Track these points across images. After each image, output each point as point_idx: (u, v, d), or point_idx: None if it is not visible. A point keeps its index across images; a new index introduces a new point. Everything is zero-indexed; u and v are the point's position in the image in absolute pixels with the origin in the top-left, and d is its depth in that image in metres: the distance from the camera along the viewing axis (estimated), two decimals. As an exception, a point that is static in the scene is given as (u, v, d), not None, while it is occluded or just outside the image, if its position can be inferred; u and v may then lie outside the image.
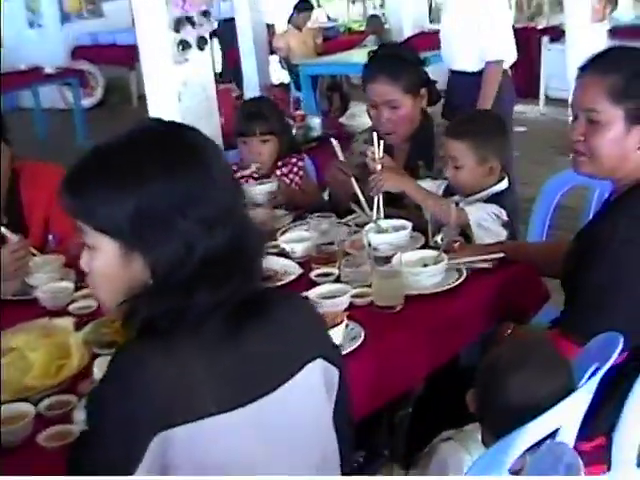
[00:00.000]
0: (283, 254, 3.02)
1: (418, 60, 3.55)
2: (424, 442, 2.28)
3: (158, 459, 1.44)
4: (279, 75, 10.86)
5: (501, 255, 2.71)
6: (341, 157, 3.38)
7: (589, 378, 1.95)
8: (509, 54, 5.26)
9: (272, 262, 2.90)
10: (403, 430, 2.73)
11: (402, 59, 3.46)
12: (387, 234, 2.97)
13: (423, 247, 2.90)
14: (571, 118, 2.38)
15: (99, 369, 2.10)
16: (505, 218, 2.93)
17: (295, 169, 3.89)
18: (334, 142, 3.39)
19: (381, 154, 3.16)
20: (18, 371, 2.21)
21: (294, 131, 5.00)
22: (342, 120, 4.99)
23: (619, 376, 2.14)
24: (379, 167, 3.13)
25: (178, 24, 4.52)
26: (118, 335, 2.22)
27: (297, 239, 3.07)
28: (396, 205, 3.20)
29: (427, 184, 3.15)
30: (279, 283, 2.78)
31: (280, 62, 10.27)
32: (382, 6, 14.09)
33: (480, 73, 5.13)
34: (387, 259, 2.56)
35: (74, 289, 2.83)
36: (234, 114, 5.15)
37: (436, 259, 2.68)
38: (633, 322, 2.17)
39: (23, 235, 2.95)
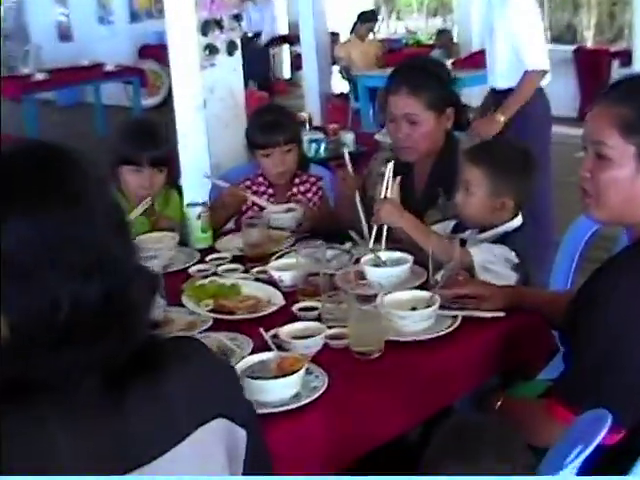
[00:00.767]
0: (271, 282, 2.77)
1: (448, 77, 3.27)
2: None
3: None
4: (340, 85, 10.62)
5: (501, 314, 2.42)
6: (351, 171, 3.20)
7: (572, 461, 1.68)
8: (547, 64, 5.05)
9: (258, 289, 2.69)
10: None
11: (429, 73, 3.19)
12: (385, 268, 2.70)
13: (423, 285, 2.61)
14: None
15: None
16: (515, 260, 2.65)
17: (314, 189, 3.66)
18: (346, 155, 3.22)
19: (390, 184, 2.90)
20: None
21: (323, 145, 4.75)
22: (377, 137, 4.75)
23: (612, 460, 1.85)
24: (382, 196, 2.87)
25: (206, 27, 4.30)
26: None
27: (287, 267, 2.81)
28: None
29: (435, 227, 2.92)
30: (261, 313, 2.55)
31: (340, 72, 10.02)
32: (457, 22, 13.79)
33: None
34: (370, 298, 2.29)
35: None
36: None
37: (428, 301, 2.40)
38: (631, 398, 1.87)
39: None
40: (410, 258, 2.72)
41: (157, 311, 2.56)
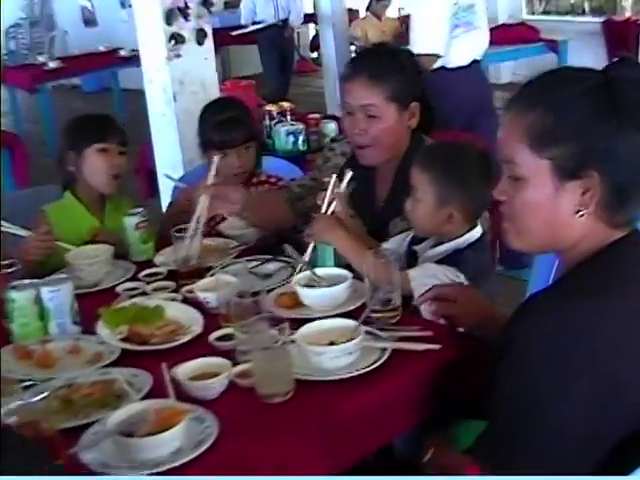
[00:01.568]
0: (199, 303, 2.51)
1: (414, 68, 2.86)
2: None
3: None
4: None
5: (436, 347, 2.10)
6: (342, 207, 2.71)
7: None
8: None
9: (183, 312, 2.42)
10: None
11: (392, 61, 2.79)
12: (319, 288, 2.41)
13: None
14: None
15: None
16: (464, 282, 2.34)
17: (275, 189, 3.36)
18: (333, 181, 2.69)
19: (333, 195, 2.60)
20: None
21: (302, 137, 4.43)
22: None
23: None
24: (324, 207, 2.59)
25: (170, 16, 4.01)
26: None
27: (216, 285, 2.53)
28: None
29: (394, 240, 2.62)
30: (174, 343, 2.28)
31: (356, 51, 9.64)
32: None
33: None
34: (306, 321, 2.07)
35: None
36: (257, 112, 4.66)
37: (352, 333, 2.10)
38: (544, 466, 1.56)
39: None
40: (349, 275, 2.42)
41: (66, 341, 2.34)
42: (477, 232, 2.44)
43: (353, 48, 9.57)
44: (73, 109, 11.95)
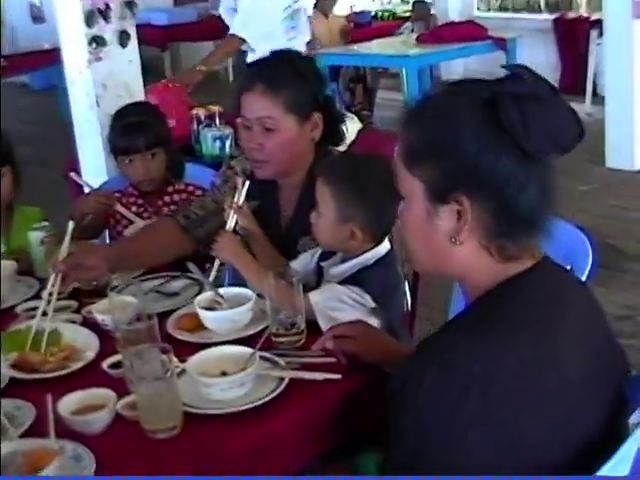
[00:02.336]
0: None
1: (315, 75, 2.68)
2: None
3: None
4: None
5: (337, 377, 1.99)
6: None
7: None
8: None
9: (80, 336, 2.29)
10: None
11: (290, 68, 2.59)
12: (219, 311, 2.30)
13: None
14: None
15: None
16: (370, 304, 2.24)
17: (192, 198, 3.22)
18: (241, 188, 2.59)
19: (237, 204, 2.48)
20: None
21: (229, 142, 4.30)
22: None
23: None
24: (229, 224, 2.46)
25: (90, 18, 3.87)
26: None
27: (113, 307, 2.40)
28: None
29: (302, 259, 2.50)
30: (64, 371, 2.15)
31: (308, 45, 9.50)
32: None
33: None
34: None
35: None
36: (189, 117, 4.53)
37: (246, 362, 1.98)
38: None
39: None
40: (252, 296, 2.30)
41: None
42: (384, 248, 2.33)
43: (301, 46, 9.44)
44: (19, 107, 11.79)
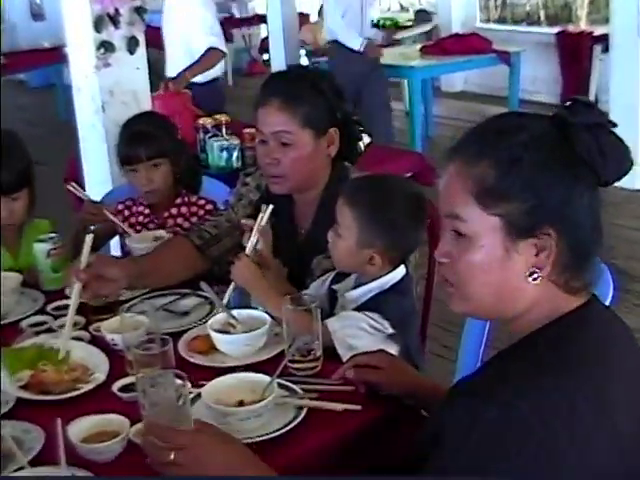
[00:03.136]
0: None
1: (334, 90, 2.61)
2: None
3: None
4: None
5: (357, 408, 1.93)
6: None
7: None
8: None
9: (89, 355, 2.23)
10: None
11: (307, 83, 2.54)
12: (233, 335, 2.24)
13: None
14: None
15: None
16: (388, 330, 2.18)
17: (202, 213, 3.18)
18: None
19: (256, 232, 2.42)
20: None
21: (236, 154, 4.24)
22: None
23: None
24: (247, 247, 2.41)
25: (99, 23, 3.80)
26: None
27: (123, 325, 2.34)
28: None
29: (315, 286, 2.45)
30: (74, 393, 2.10)
31: (307, 56, 9.47)
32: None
33: None
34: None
35: None
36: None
37: (265, 391, 1.92)
38: None
39: None
40: (267, 319, 2.25)
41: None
42: (400, 273, 2.28)
43: (303, 52, 9.41)
44: (17, 104, 11.73)
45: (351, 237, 2.22)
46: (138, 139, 3.14)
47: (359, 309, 2.24)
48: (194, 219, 3.15)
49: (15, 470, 1.79)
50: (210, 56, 5.72)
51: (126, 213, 3.23)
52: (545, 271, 1.44)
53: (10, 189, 2.90)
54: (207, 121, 4.44)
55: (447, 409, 1.44)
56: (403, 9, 14.04)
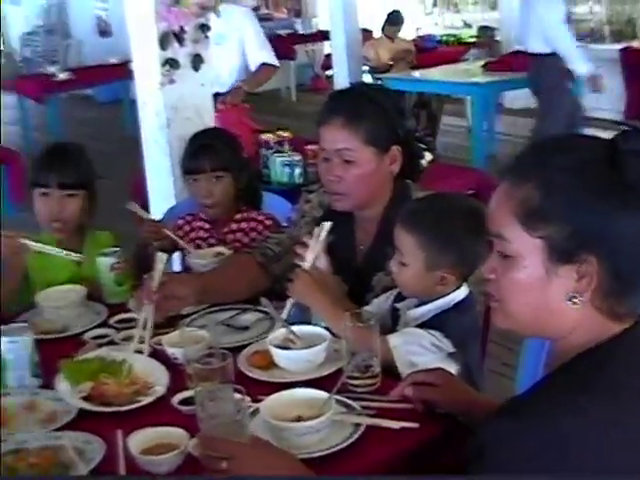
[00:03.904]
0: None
1: (397, 108, 2.63)
2: None
3: None
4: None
5: (415, 426, 1.93)
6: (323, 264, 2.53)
7: None
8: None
9: (150, 368, 2.25)
10: None
11: (370, 101, 2.55)
12: (293, 350, 2.25)
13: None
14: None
15: None
16: (449, 349, 2.18)
17: (261, 228, 3.20)
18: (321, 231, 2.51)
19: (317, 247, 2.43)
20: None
21: (298, 170, 4.26)
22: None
23: None
24: (306, 263, 2.43)
25: (164, 40, 3.85)
26: None
27: (186, 338, 2.37)
28: None
29: (377, 303, 2.44)
30: (134, 405, 2.13)
31: (370, 73, 9.48)
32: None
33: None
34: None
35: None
36: (253, 139, 4.50)
37: (322, 407, 1.93)
38: None
39: None
40: (327, 336, 2.26)
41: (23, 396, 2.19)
42: (462, 292, 2.27)
43: (365, 68, 9.43)
44: (83, 119, 11.93)
45: (417, 262, 2.21)
46: (203, 151, 3.19)
47: (421, 327, 2.23)
48: (254, 234, 3.18)
49: (77, 479, 1.82)
50: (264, 70, 5.79)
51: (186, 228, 3.27)
52: (585, 297, 1.43)
53: (66, 185, 2.97)
54: (270, 137, 4.48)
55: (491, 426, 1.44)
56: (466, 25, 14.02)
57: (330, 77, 11.72)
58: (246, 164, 3.36)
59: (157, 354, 2.38)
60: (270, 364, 2.25)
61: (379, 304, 2.42)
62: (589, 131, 5.28)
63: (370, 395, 2.09)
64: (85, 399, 2.17)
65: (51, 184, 2.95)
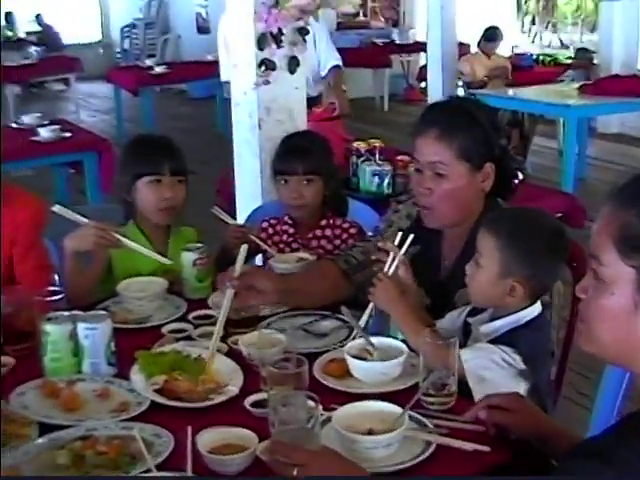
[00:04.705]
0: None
1: (493, 125, 2.56)
2: None
3: None
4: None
5: (486, 449, 1.88)
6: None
7: None
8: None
9: (225, 367, 2.25)
10: None
11: (466, 116, 2.50)
12: (370, 362, 2.23)
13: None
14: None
15: None
16: (520, 366, 2.14)
17: (345, 236, 3.18)
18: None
19: (400, 254, 2.41)
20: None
21: (387, 180, 4.22)
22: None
23: None
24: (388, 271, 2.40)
25: (262, 41, 3.86)
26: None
27: (263, 341, 2.36)
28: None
29: (450, 317, 2.42)
30: (206, 403, 2.13)
31: (463, 87, 9.40)
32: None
33: None
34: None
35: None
36: (343, 148, 4.49)
37: (395, 422, 1.90)
38: None
39: None
40: (405, 350, 2.23)
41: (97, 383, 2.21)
42: (535, 309, 2.23)
43: (460, 83, 9.37)
44: (176, 113, 12.08)
45: (492, 266, 2.18)
46: (296, 153, 3.19)
47: (492, 342, 2.20)
48: (337, 242, 3.16)
49: (142, 472, 1.82)
50: (339, 73, 5.92)
51: (270, 231, 3.26)
52: None
53: (176, 172, 3.03)
54: (361, 145, 4.46)
55: (568, 468, 1.40)
56: (563, 46, 13.81)
57: (424, 89, 11.69)
58: (336, 170, 3.35)
59: (233, 353, 2.38)
60: (345, 373, 2.23)
61: (452, 318, 2.39)
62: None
63: (443, 414, 2.05)
64: (157, 392, 2.17)
65: (164, 171, 2.98)
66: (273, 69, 3.92)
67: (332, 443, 1.84)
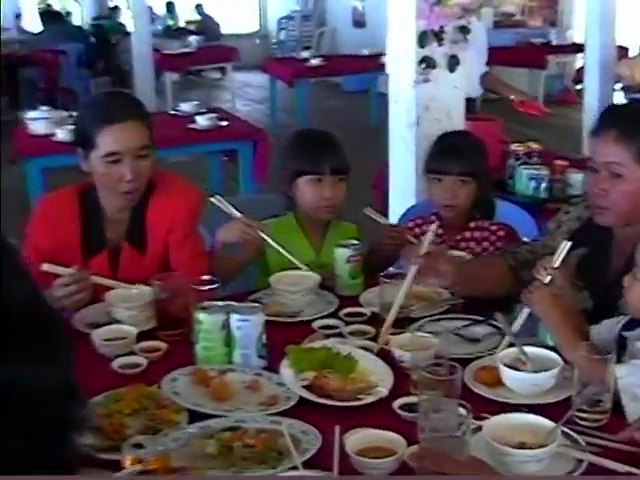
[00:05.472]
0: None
1: None
2: None
3: None
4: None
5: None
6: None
7: None
8: None
9: (375, 367, 2.28)
10: None
11: None
12: (524, 372, 2.17)
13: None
14: None
15: None
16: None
17: (493, 239, 3.13)
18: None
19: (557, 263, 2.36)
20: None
21: (544, 184, 4.11)
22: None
23: None
24: (546, 278, 2.35)
25: (423, 38, 3.83)
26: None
27: (417, 342, 2.34)
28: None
29: (606, 324, 2.33)
30: (356, 403, 2.13)
31: (622, 91, 9.12)
32: None
33: None
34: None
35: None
36: (500, 150, 4.42)
37: (547, 437, 1.85)
38: None
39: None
40: (559, 362, 2.18)
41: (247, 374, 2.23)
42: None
43: (618, 87, 9.08)
44: (330, 106, 12.14)
45: None
46: (452, 152, 3.16)
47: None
48: (485, 244, 3.12)
49: (288, 469, 1.82)
50: (492, 76, 5.89)
51: (417, 231, 3.23)
52: None
53: (337, 171, 3.05)
54: (519, 147, 4.37)
55: None
56: None
57: (580, 91, 11.41)
58: (489, 173, 3.30)
59: (384, 354, 2.36)
60: (496, 382, 2.19)
61: (608, 326, 2.31)
62: None
63: (596, 431, 1.99)
64: (306, 388, 2.18)
65: (325, 170, 3.01)
66: (433, 67, 3.89)
67: (479, 453, 1.81)
